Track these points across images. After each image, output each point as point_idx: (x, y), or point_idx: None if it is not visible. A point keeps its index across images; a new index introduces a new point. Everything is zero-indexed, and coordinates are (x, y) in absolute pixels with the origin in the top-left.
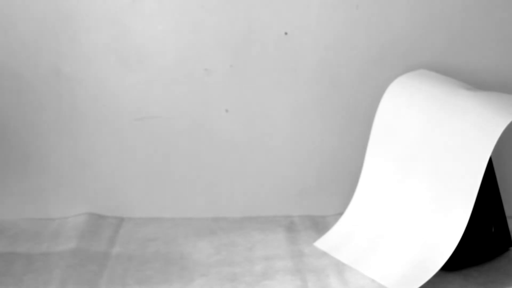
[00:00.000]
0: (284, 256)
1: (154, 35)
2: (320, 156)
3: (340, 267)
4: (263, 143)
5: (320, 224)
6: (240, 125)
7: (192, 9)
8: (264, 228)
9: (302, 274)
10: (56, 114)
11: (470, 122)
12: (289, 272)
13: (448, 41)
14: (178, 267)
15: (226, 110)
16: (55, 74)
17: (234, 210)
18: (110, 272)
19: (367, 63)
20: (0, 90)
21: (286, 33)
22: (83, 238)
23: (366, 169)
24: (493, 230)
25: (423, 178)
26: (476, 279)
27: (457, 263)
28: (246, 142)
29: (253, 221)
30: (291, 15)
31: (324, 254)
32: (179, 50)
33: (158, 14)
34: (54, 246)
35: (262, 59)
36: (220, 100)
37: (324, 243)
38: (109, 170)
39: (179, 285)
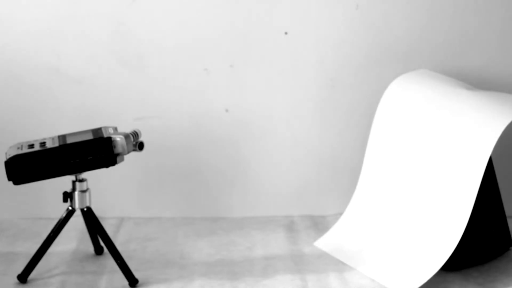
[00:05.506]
0: (284, 256)
1: (154, 35)
2: (320, 156)
3: (340, 267)
4: (263, 143)
5: (320, 224)
6: (240, 125)
7: (192, 9)
8: (264, 228)
9: (302, 274)
10: (56, 114)
11: (470, 122)
12: (289, 272)
13: (448, 41)
14: (178, 267)
15: (226, 110)
16: (55, 74)
17: (234, 210)
18: (110, 272)
19: (367, 63)
20: (0, 90)
21: (286, 33)
22: (83, 238)
23: (366, 169)
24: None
25: (423, 178)
26: (476, 279)
27: (457, 263)
28: (246, 142)
29: (253, 221)
30: (291, 15)
31: (324, 254)
32: (179, 50)
33: (158, 14)
34: (54, 246)
35: (262, 59)
36: (220, 100)
37: (324, 243)
38: (109, 170)
39: (179, 285)
